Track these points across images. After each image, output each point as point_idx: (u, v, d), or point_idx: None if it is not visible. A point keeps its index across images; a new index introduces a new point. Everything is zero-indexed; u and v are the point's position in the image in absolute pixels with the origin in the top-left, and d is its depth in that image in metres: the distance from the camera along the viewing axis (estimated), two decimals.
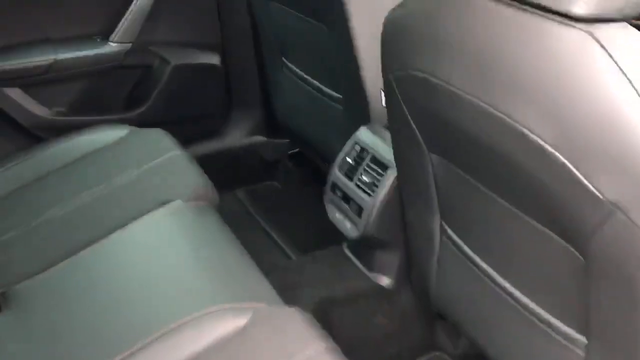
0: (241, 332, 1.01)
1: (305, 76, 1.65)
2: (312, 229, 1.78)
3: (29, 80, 1.68)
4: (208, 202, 1.40)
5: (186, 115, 1.95)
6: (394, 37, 0.92)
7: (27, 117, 1.71)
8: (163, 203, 1.35)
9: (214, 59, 1.91)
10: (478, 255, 1.00)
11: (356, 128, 1.40)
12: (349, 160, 1.36)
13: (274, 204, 2.06)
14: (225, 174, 2.03)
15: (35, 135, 1.74)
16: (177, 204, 1.35)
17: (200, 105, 1.96)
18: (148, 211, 1.34)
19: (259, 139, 2.07)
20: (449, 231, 1.07)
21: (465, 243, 1.03)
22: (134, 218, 1.32)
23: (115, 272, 1.20)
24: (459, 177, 0.94)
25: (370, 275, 1.41)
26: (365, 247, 1.43)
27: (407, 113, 0.96)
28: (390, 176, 1.27)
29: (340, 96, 1.51)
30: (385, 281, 1.38)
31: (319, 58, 1.54)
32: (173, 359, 0.98)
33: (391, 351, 1.38)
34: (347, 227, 1.37)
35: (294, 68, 1.70)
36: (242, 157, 2.07)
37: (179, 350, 0.99)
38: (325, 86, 1.56)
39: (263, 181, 2.12)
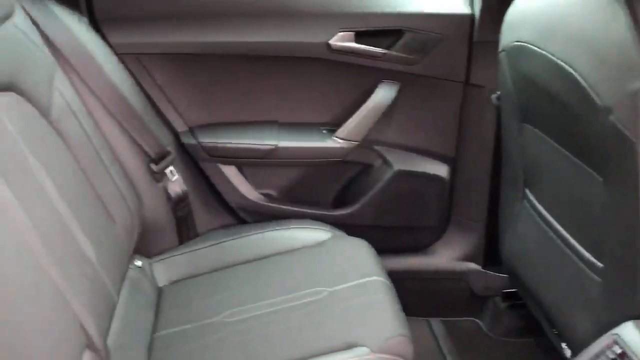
0: None
1: (552, 221, 1.32)
2: None
3: (246, 161, 1.60)
4: (400, 358, 1.14)
5: (397, 223, 1.73)
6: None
7: (235, 196, 1.63)
8: (349, 346, 1.14)
9: (442, 171, 1.67)
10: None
11: (616, 318, 1.04)
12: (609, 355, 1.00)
13: (473, 346, 1.73)
14: (423, 297, 1.78)
15: (238, 216, 1.66)
16: (364, 352, 1.12)
17: (415, 216, 1.73)
18: (330, 350, 1.14)
19: (472, 266, 1.77)
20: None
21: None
22: (314, 355, 1.12)
23: None
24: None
25: None
26: None
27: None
28: None
29: (602, 265, 1.15)
30: None
31: (579, 208, 1.21)
32: None
33: None
34: None
35: (539, 206, 1.39)
36: (447, 283, 1.79)
37: None
38: (580, 244, 1.22)
39: (465, 316, 1.81)
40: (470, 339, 1.77)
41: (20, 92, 1.10)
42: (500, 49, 1.31)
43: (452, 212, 1.75)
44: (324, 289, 1.31)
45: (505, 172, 1.56)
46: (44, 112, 1.16)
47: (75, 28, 1.33)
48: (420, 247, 1.78)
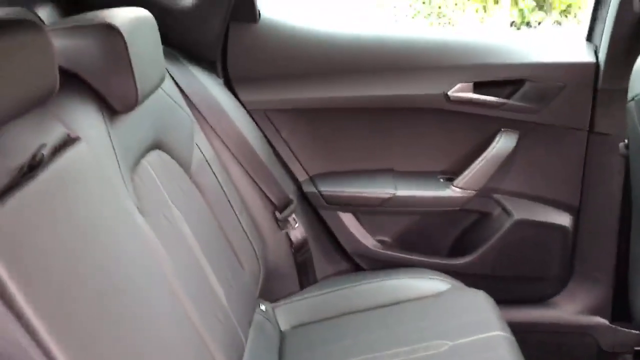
0: None
1: None
2: None
3: (363, 209, 1.64)
4: None
5: (516, 274, 1.69)
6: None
7: (351, 243, 1.67)
8: None
9: (565, 220, 1.62)
10: None
11: None
12: None
13: None
14: (546, 352, 1.70)
15: (355, 262, 1.69)
16: None
17: (535, 267, 1.68)
18: None
19: (599, 321, 1.68)
20: None
21: None
22: None
23: None
24: None
25: None
26: None
27: None
28: None
29: None
30: None
31: None
32: None
33: None
34: None
35: None
36: (571, 338, 1.71)
37: None
38: None
39: None
40: None
41: (166, 150, 1.21)
42: (629, 97, 1.27)
43: (575, 263, 1.68)
44: (445, 342, 1.30)
45: (636, 223, 1.49)
46: (185, 167, 1.27)
47: (212, 88, 1.45)
48: (542, 299, 1.71)
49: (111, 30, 0.96)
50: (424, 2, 3.90)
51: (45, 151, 0.77)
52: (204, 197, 1.30)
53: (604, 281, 1.66)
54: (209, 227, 1.28)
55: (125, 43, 0.97)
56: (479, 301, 1.42)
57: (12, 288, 0.62)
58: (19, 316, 0.62)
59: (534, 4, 3.65)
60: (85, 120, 0.94)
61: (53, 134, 0.83)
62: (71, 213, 0.78)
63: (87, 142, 0.89)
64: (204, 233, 1.22)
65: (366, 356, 1.31)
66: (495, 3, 3.65)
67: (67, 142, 0.85)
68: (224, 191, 1.39)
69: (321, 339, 1.42)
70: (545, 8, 3.80)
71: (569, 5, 3.57)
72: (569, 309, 1.70)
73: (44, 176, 0.75)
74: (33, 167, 0.75)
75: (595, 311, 1.68)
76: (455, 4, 3.87)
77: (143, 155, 1.13)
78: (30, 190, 0.72)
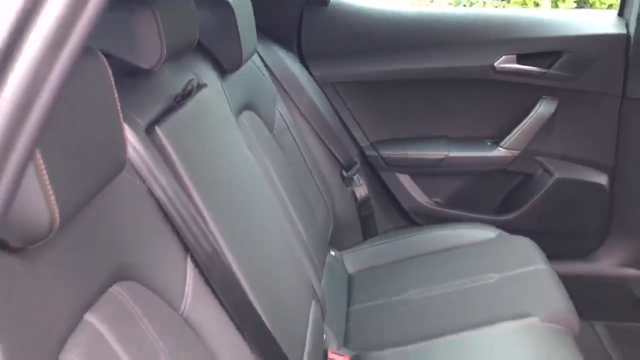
0: None
1: None
2: None
3: (419, 170, 1.85)
4: (567, 328, 1.30)
5: (557, 230, 1.87)
6: None
7: (408, 201, 1.88)
8: (519, 316, 1.31)
9: (602, 179, 1.80)
10: None
11: None
12: None
13: (636, 349, 1.79)
14: (585, 301, 1.87)
15: (411, 218, 1.90)
16: (533, 320, 1.30)
17: (575, 223, 1.86)
18: (502, 320, 1.31)
19: (635, 272, 1.84)
20: None
21: None
22: (487, 323, 1.31)
23: None
24: None
25: None
26: None
27: None
28: None
29: None
30: None
31: None
32: None
33: None
34: None
35: None
36: (609, 289, 1.87)
37: None
38: None
39: (631, 321, 1.87)
40: (635, 342, 1.82)
41: (256, 111, 1.46)
42: None
43: (613, 220, 1.85)
44: (494, 275, 1.50)
45: None
46: (269, 127, 1.52)
47: (290, 64, 1.70)
48: (581, 254, 1.89)
49: (224, 3, 1.21)
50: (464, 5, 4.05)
51: (190, 86, 1.03)
52: (284, 154, 1.54)
53: (638, 236, 1.83)
54: (290, 178, 1.52)
55: (234, 14, 1.22)
56: (524, 244, 1.61)
57: (185, 177, 0.88)
58: (187, 193, 0.87)
59: (575, 5, 3.73)
60: (206, 74, 1.19)
61: (189, 79, 1.08)
62: (210, 131, 1.05)
63: (210, 88, 1.14)
64: (286, 182, 1.46)
65: (424, 288, 1.52)
66: (535, 5, 3.76)
67: (199, 85, 1.10)
68: (300, 151, 1.63)
69: (384, 278, 1.63)
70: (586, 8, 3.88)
71: (610, 6, 3.65)
72: (607, 263, 1.86)
73: (190, 104, 1.00)
74: (184, 96, 1.00)
75: (631, 264, 1.84)
76: (495, 6, 4.01)
77: (240, 112, 1.38)
78: (184, 113, 0.97)
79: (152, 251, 0.78)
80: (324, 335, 1.32)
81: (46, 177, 0.50)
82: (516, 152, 1.78)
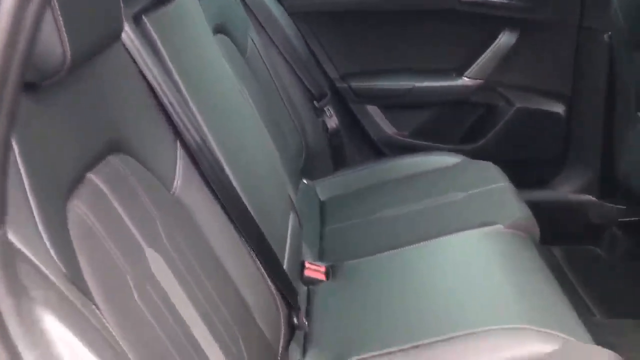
0: (543, 359, 0.98)
1: None
2: (634, 309, 1.61)
3: (388, 102, 1.91)
4: (528, 235, 1.39)
5: (518, 158, 1.96)
6: None
7: (377, 132, 1.94)
8: (484, 224, 1.39)
9: (558, 108, 1.89)
10: None
11: None
12: None
13: (592, 270, 1.91)
14: (544, 227, 1.98)
15: (380, 149, 1.97)
16: (497, 227, 1.38)
17: (534, 152, 1.96)
18: (469, 228, 1.39)
19: (589, 198, 1.95)
20: None
21: None
22: (455, 231, 1.39)
23: (431, 271, 1.28)
24: None
25: None
26: None
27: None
28: None
29: None
30: None
31: None
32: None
33: None
34: None
35: None
36: (565, 214, 1.98)
37: (481, 355, 1.00)
38: None
39: (584, 244, 1.99)
40: (589, 264, 1.95)
41: (229, 35, 1.48)
42: None
43: (570, 148, 1.95)
44: (461, 193, 1.58)
45: (619, 103, 1.76)
46: (242, 52, 1.54)
47: None
48: (541, 181, 1.99)
49: None
50: None
51: None
52: (256, 80, 1.57)
53: (593, 163, 1.93)
54: (263, 104, 1.55)
55: None
56: (487, 167, 1.69)
57: (172, 68, 0.92)
58: (174, 82, 0.91)
59: None
60: None
61: None
62: (192, 37, 1.08)
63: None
64: (260, 106, 1.49)
65: (394, 208, 1.58)
66: None
67: None
68: (272, 79, 1.67)
69: (356, 203, 1.69)
70: None
71: None
72: (565, 190, 1.97)
73: (174, 5, 1.03)
74: None
75: (586, 190, 1.95)
76: None
77: (214, 33, 1.40)
78: (168, 11, 1.00)
79: (145, 130, 0.82)
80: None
81: (60, 18, 0.55)
82: (479, 82, 1.86)
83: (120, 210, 0.70)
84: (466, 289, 1.18)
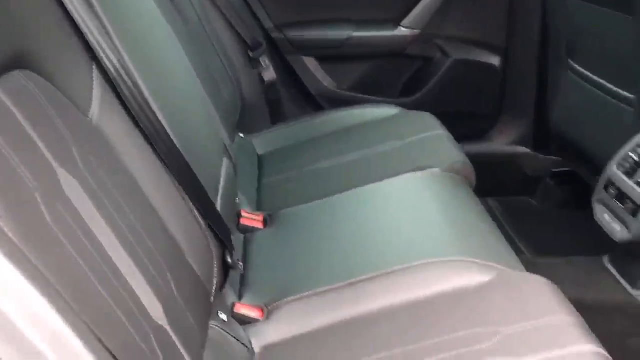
0: (481, 288, 0.98)
1: (593, 77, 1.55)
2: (563, 250, 1.66)
3: (325, 52, 1.88)
4: (465, 177, 1.40)
5: (455, 111, 1.96)
6: None
7: (315, 86, 1.91)
8: (421, 168, 1.39)
9: (494, 60, 1.91)
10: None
11: None
12: (632, 156, 1.24)
13: (525, 220, 1.96)
14: (479, 179, 2.01)
15: (318, 103, 1.93)
16: (434, 170, 1.38)
17: (471, 104, 1.97)
18: (406, 172, 1.39)
19: (523, 150, 1.99)
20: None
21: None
22: (392, 175, 1.38)
23: (366, 213, 1.27)
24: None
25: (634, 292, 1.25)
26: (630, 261, 1.27)
27: None
28: None
29: (633, 96, 1.38)
30: None
31: (614, 55, 1.44)
32: (412, 292, 0.99)
33: None
34: (617, 229, 1.24)
35: (581, 69, 1.61)
36: (501, 166, 2.01)
37: (419, 287, 0.99)
38: (618, 86, 1.45)
39: (518, 195, 2.03)
40: (524, 214, 1.99)
41: None
42: None
43: (505, 100, 1.97)
44: (398, 142, 1.57)
45: (551, 52, 1.79)
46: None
47: None
48: (477, 134, 2.01)
49: None
50: None
51: None
52: (184, 23, 1.49)
53: (527, 115, 1.97)
54: (195, 51, 1.48)
55: None
56: (424, 116, 1.69)
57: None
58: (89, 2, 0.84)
59: None
60: None
61: None
62: None
63: None
64: (188, 51, 1.42)
65: (331, 159, 1.56)
66: None
67: None
68: (203, 27, 1.59)
69: (294, 156, 1.66)
70: None
71: None
72: (500, 142, 2.00)
73: None
74: None
75: (520, 142, 1.99)
76: None
77: None
78: None
79: (55, 50, 0.75)
80: (237, 199, 1.34)
81: None
82: (416, 32, 1.84)
83: (27, 127, 0.64)
84: (402, 227, 1.18)
